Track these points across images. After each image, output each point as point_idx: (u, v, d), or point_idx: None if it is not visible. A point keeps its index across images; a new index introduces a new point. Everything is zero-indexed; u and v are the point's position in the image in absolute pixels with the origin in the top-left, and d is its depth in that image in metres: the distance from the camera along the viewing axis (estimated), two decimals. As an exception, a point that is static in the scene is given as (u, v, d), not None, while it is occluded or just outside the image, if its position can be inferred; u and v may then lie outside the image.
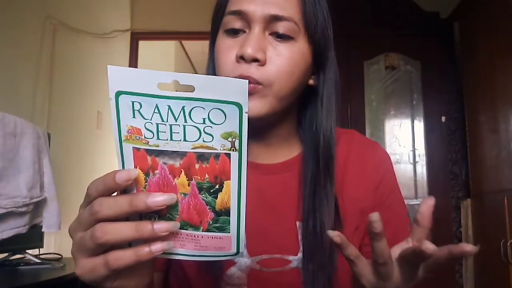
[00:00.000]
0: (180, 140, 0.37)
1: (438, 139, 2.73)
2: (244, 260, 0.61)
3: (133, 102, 0.36)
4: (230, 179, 0.38)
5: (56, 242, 2.02)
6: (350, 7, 2.68)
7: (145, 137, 0.37)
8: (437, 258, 0.41)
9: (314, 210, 0.59)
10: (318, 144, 0.61)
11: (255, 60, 0.55)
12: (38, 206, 1.50)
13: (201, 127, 0.36)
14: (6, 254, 1.53)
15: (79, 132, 2.46)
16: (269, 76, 0.55)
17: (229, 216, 0.39)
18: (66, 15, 2.25)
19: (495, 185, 2.19)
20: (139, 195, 0.37)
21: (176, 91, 0.35)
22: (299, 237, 0.61)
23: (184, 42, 4.33)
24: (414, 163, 2.71)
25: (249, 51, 0.54)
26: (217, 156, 0.37)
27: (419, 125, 2.76)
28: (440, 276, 2.10)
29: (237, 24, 0.58)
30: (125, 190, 0.39)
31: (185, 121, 0.36)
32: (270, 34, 0.57)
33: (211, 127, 0.36)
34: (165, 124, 0.36)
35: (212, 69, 0.64)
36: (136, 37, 3.14)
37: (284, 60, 0.56)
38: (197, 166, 0.38)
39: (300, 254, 0.61)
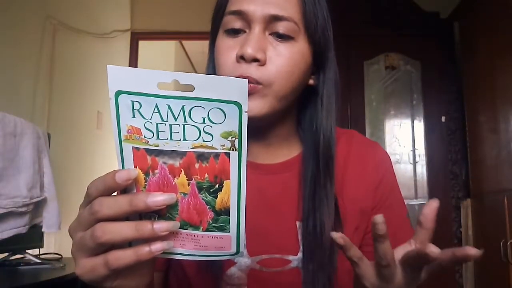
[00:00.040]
0: (180, 140, 0.37)
1: (438, 139, 2.73)
2: (244, 260, 0.61)
3: (132, 102, 0.36)
4: (230, 179, 0.38)
5: (56, 242, 2.02)
6: (350, 7, 2.68)
7: (145, 136, 0.37)
8: (440, 261, 0.40)
9: (314, 210, 0.59)
10: (318, 144, 0.61)
11: (255, 60, 0.55)
12: (38, 206, 1.50)
13: (201, 126, 0.36)
14: (6, 254, 1.53)
15: (79, 132, 2.46)
16: (269, 76, 0.55)
17: (229, 216, 0.39)
18: (66, 15, 2.25)
19: (495, 185, 2.18)
20: (139, 195, 0.37)
21: (176, 91, 0.35)
22: (299, 237, 0.61)
23: (184, 42, 4.33)
24: (414, 163, 2.71)
25: (249, 51, 0.54)
26: (217, 155, 0.37)
27: (419, 125, 2.76)
28: (440, 276, 2.10)
29: (237, 24, 0.58)
30: (125, 190, 0.39)
31: (185, 121, 0.36)
32: (270, 34, 0.57)
33: (210, 126, 0.36)
34: (165, 124, 0.36)
35: (212, 69, 0.64)
36: (136, 37, 3.14)
37: (284, 60, 0.56)
38: (197, 165, 0.38)
39: (300, 254, 0.61)
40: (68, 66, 2.31)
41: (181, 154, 0.37)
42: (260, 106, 0.56)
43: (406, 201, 0.68)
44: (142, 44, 3.21)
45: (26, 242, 1.57)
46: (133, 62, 3.12)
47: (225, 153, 0.37)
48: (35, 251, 1.65)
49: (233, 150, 0.37)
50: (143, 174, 0.38)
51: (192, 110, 0.36)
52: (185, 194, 0.39)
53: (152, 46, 3.55)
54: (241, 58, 0.55)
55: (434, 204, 0.42)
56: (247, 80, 0.35)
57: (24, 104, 1.92)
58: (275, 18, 0.56)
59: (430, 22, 2.79)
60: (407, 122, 2.77)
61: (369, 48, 2.81)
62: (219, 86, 0.35)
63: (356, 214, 0.63)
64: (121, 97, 0.35)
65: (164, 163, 0.38)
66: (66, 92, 2.27)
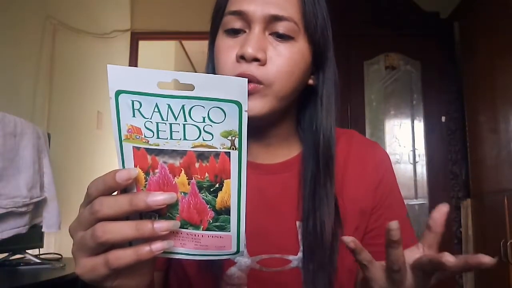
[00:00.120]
0: (180, 139, 0.37)
1: (438, 139, 2.73)
2: (244, 260, 0.61)
3: (133, 101, 0.36)
4: (230, 178, 0.38)
5: (56, 242, 2.02)
6: (350, 7, 2.68)
7: (145, 136, 0.37)
8: (454, 269, 0.40)
9: (314, 210, 0.59)
10: (318, 144, 0.61)
11: (256, 59, 0.55)
12: (38, 206, 1.50)
13: (201, 125, 0.36)
14: (6, 254, 1.53)
15: (79, 132, 2.46)
16: (269, 75, 0.55)
17: (229, 215, 0.39)
18: (66, 15, 2.26)
19: (495, 185, 2.18)
20: (139, 194, 0.37)
21: (176, 90, 0.35)
22: (299, 237, 0.61)
23: (184, 42, 4.33)
24: (414, 163, 2.71)
25: (249, 50, 0.54)
26: (217, 154, 0.37)
27: (419, 125, 2.76)
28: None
29: (237, 24, 0.58)
30: (125, 190, 0.39)
31: (185, 120, 0.36)
32: (270, 34, 0.57)
33: (211, 125, 0.36)
34: (165, 123, 0.36)
35: (212, 69, 0.64)
36: (136, 37, 3.14)
37: (284, 60, 0.56)
38: (197, 165, 0.38)
39: (300, 254, 0.61)
40: (68, 66, 2.31)
41: (181, 153, 0.37)
42: (260, 106, 0.56)
43: (406, 201, 0.68)
44: (142, 44, 3.21)
45: (26, 242, 1.57)
46: (133, 62, 3.12)
47: (225, 152, 0.37)
48: (35, 251, 1.65)
49: (233, 149, 0.37)
50: (143, 174, 0.38)
51: (192, 110, 0.36)
52: (185, 193, 0.39)
53: (152, 46, 3.55)
54: (241, 58, 0.55)
55: (444, 208, 0.42)
56: (247, 79, 0.36)
57: (24, 104, 1.92)
58: (275, 18, 0.56)
59: (430, 22, 2.79)
60: (407, 122, 2.77)
61: (369, 48, 2.81)
62: (219, 85, 0.35)
63: (356, 214, 0.63)
64: (121, 97, 0.35)
65: (165, 162, 0.38)
66: (66, 92, 2.27)
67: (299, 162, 0.65)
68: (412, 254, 0.44)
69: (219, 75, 0.39)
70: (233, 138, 0.37)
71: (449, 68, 2.77)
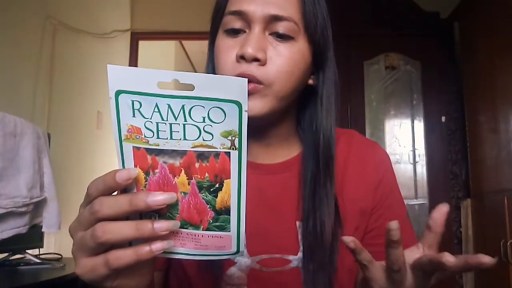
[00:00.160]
0: (180, 139, 0.37)
1: (438, 139, 2.73)
2: (244, 260, 0.61)
3: (133, 101, 0.36)
4: (230, 178, 0.38)
5: (56, 242, 2.02)
6: (350, 7, 2.68)
7: (145, 136, 0.37)
8: (454, 269, 0.40)
9: (314, 210, 0.59)
10: (318, 144, 0.61)
11: (256, 59, 0.55)
12: (38, 206, 1.50)
13: (201, 125, 0.36)
14: (6, 254, 1.53)
15: (79, 132, 2.46)
16: (269, 75, 0.55)
17: (229, 215, 0.39)
18: (66, 15, 2.26)
19: (495, 185, 2.18)
20: (139, 194, 0.37)
21: (176, 90, 0.35)
22: (299, 237, 0.61)
23: (184, 42, 4.33)
24: (414, 163, 2.71)
25: (249, 50, 0.54)
26: (217, 154, 0.37)
27: (419, 125, 2.76)
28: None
29: (237, 24, 0.58)
30: (125, 190, 0.39)
31: (185, 120, 0.36)
32: (270, 34, 0.57)
33: (211, 125, 0.36)
34: (165, 123, 0.36)
35: (212, 69, 0.64)
36: (136, 37, 3.14)
37: (284, 60, 0.56)
38: (197, 165, 0.38)
39: (300, 254, 0.61)
40: (68, 66, 2.31)
41: (181, 153, 0.37)
42: (260, 106, 0.56)
43: (406, 201, 0.68)
44: (142, 44, 3.21)
45: (26, 242, 1.57)
46: (133, 62, 3.12)
47: (225, 152, 0.37)
48: (35, 251, 1.65)
49: (233, 149, 0.37)
50: (143, 174, 0.38)
51: (192, 110, 0.36)
52: (185, 193, 0.39)
53: (152, 46, 3.55)
54: (242, 58, 0.55)
55: (444, 208, 0.42)
56: (246, 79, 0.36)
57: (24, 104, 1.92)
58: (275, 18, 0.56)
59: (430, 22, 2.79)
60: (407, 122, 2.77)
61: (369, 48, 2.81)
62: (219, 85, 0.35)
63: (356, 214, 0.64)
64: (121, 97, 0.35)
65: (165, 162, 0.38)
66: (66, 92, 2.27)
67: (299, 162, 0.65)
68: (412, 254, 0.44)
69: (219, 75, 0.39)
70: (233, 138, 0.37)
71: (449, 68, 2.77)
